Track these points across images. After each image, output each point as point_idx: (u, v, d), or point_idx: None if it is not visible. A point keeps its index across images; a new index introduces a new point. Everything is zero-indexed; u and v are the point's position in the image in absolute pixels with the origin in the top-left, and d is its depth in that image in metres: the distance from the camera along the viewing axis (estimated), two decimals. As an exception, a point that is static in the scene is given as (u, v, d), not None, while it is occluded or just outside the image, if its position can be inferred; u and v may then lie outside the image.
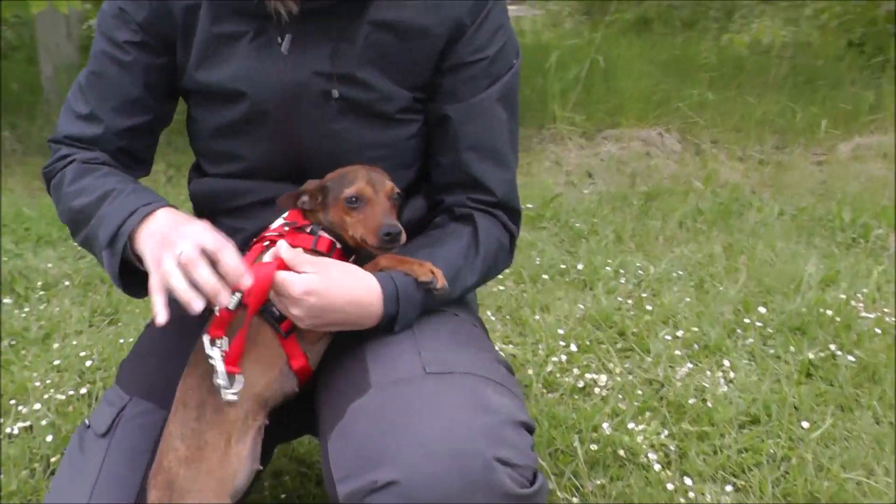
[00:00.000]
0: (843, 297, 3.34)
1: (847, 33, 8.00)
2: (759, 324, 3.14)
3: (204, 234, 1.41)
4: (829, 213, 4.69)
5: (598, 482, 2.24)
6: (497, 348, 2.96)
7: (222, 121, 1.67)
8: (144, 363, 1.75)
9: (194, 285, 1.36)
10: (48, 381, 2.73)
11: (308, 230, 1.56)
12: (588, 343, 3.02)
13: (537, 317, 3.28)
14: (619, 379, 2.75)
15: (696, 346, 2.99)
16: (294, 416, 1.68)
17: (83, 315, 3.28)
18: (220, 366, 1.44)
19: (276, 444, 1.96)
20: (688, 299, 3.39)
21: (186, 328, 1.67)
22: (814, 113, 6.49)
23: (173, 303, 1.91)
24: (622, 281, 3.65)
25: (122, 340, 2.99)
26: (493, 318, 3.31)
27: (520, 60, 1.75)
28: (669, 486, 2.19)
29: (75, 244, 1.94)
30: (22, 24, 8.49)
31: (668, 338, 3.02)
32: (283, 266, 1.44)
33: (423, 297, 1.53)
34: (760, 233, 4.35)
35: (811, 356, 2.85)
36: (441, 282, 1.52)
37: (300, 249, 1.49)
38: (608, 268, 3.78)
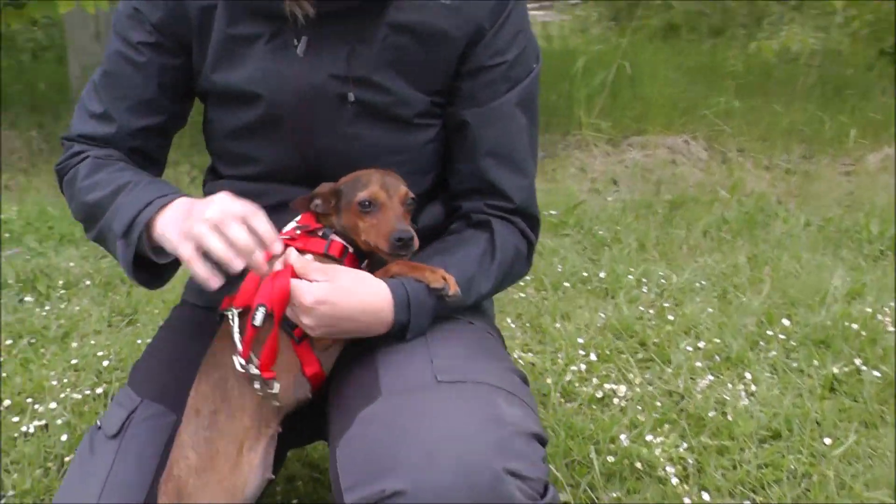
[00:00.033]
0: (870, 310, 3.27)
1: (878, 42, 7.90)
2: (782, 336, 3.09)
3: (230, 201, 1.40)
4: (857, 224, 4.62)
5: (614, 495, 2.20)
6: (516, 356, 2.95)
7: (238, 123, 1.66)
8: (156, 366, 1.75)
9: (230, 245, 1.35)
10: (65, 381, 2.74)
11: (320, 234, 1.54)
12: (608, 353, 2.99)
13: (557, 325, 3.25)
14: (638, 390, 2.71)
15: (717, 357, 2.94)
16: (307, 422, 1.66)
17: (102, 315, 3.29)
18: (259, 381, 1.44)
19: (288, 449, 1.94)
20: (710, 310, 3.35)
21: (198, 331, 1.67)
22: (842, 122, 6.41)
23: (185, 306, 1.93)
24: (644, 290, 3.62)
25: (139, 341, 2.99)
26: (512, 326, 3.29)
27: (540, 65, 1.72)
28: (687, 501, 2.15)
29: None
30: (52, 25, 8.58)
31: (690, 349, 2.98)
32: (294, 274, 1.43)
33: (436, 304, 1.51)
34: (786, 243, 4.30)
35: (835, 370, 2.80)
36: (453, 288, 1.49)
37: (310, 256, 1.47)
38: (630, 276, 3.75)
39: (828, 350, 2.99)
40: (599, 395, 2.68)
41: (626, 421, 2.50)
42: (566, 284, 3.70)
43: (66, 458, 2.29)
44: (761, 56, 7.81)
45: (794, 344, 3.05)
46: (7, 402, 2.58)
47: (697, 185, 5.46)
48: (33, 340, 3.07)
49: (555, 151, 6.29)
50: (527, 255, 1.76)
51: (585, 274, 3.81)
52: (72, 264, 3.83)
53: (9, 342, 3.02)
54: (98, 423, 1.64)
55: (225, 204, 1.39)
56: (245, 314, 1.47)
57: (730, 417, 2.50)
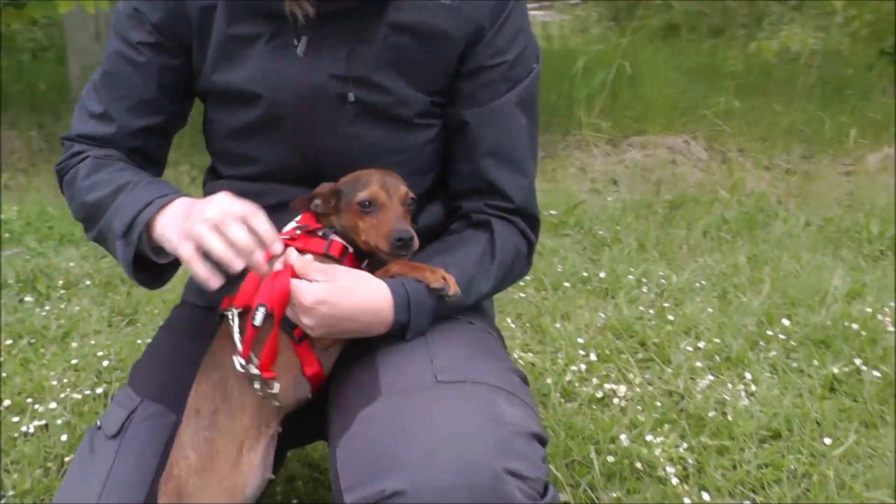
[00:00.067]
0: (870, 310, 3.27)
1: (878, 42, 7.90)
2: (782, 336, 3.09)
3: (230, 201, 1.40)
4: (857, 224, 4.62)
5: (614, 495, 2.20)
6: (516, 356, 2.95)
7: (238, 122, 1.66)
8: (156, 366, 1.75)
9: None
10: (65, 381, 2.74)
11: (320, 234, 1.54)
12: (608, 353, 2.99)
13: (558, 325, 3.25)
14: (638, 390, 2.71)
15: (717, 357, 2.94)
16: (307, 422, 1.66)
17: (102, 315, 3.29)
18: (259, 381, 1.44)
19: (289, 449, 1.94)
20: (710, 310, 3.35)
21: (199, 331, 1.67)
22: (842, 122, 6.42)
23: (185, 306, 1.93)
24: (644, 290, 3.62)
25: (139, 341, 2.99)
26: (512, 326, 3.29)
27: (540, 65, 1.72)
28: (687, 501, 2.15)
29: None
30: (52, 25, 8.58)
31: (690, 349, 2.98)
32: (294, 274, 1.43)
33: (436, 304, 1.51)
34: (786, 243, 4.30)
35: (835, 371, 2.80)
36: (453, 288, 1.49)
37: (310, 256, 1.47)
38: (630, 276, 3.75)
39: (828, 350, 2.99)
40: (599, 395, 2.68)
41: (626, 421, 2.50)
42: (566, 284, 3.70)
43: (66, 459, 2.29)
44: (761, 56, 7.81)
45: (794, 344, 3.05)
46: (7, 402, 2.58)
47: (697, 185, 5.46)
48: (33, 340, 3.07)
49: (555, 151, 6.29)
50: (527, 255, 1.76)
51: (585, 274, 3.81)
52: (72, 264, 3.83)
53: (9, 342, 3.02)
54: (98, 423, 1.64)
55: (225, 204, 1.39)
56: (245, 314, 1.47)
57: (730, 417, 2.50)
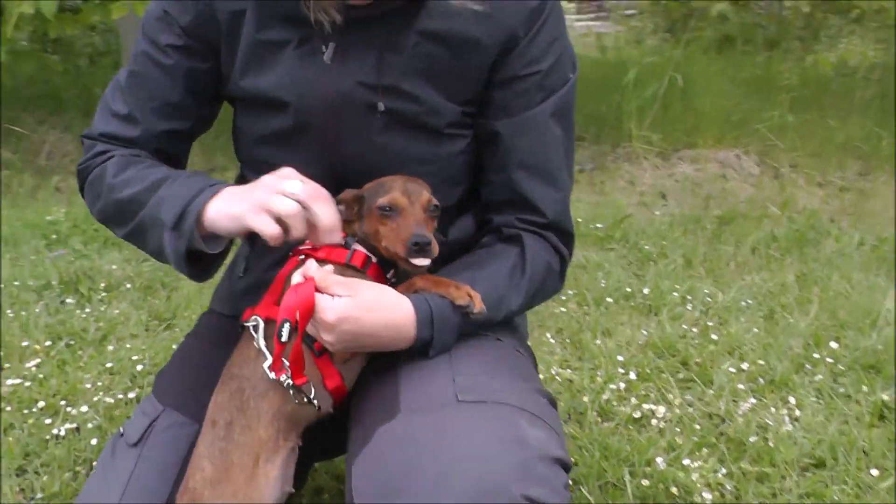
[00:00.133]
0: (923, 334, 3.16)
1: (941, 56, 7.71)
2: (829, 360, 2.99)
3: (305, 181, 1.45)
4: (913, 245, 4.48)
5: (648, 520, 2.14)
6: (553, 372, 2.90)
7: (265, 129, 1.64)
8: (180, 374, 1.73)
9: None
10: (99, 384, 2.74)
11: (343, 243, 1.51)
12: (648, 371, 2.92)
13: (598, 341, 3.19)
14: (677, 411, 2.64)
15: (761, 380, 2.86)
16: (330, 436, 1.63)
17: (141, 318, 3.30)
18: (293, 390, 1.43)
19: (313, 463, 1.92)
20: (755, 330, 3.26)
21: (224, 340, 1.65)
22: (900, 138, 6.24)
23: (212, 314, 1.91)
24: (689, 308, 3.54)
25: (175, 346, 2.98)
26: (552, 341, 3.23)
27: (576, 74, 1.67)
28: (723, 529, 2.08)
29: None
30: (109, 31, 8.72)
31: (733, 370, 2.90)
32: (315, 287, 1.40)
33: (460, 322, 1.47)
34: (837, 263, 4.18)
35: (885, 397, 2.69)
36: (479, 306, 1.45)
37: (330, 267, 1.44)
38: (675, 293, 3.67)
39: (878, 375, 2.89)
40: (637, 415, 2.61)
41: (663, 443, 2.44)
42: (609, 300, 3.63)
43: (95, 463, 2.28)
44: (817, 69, 7.65)
45: (842, 368, 2.95)
46: (41, 404, 2.60)
47: (748, 200, 5.34)
48: (72, 342, 3.09)
49: (604, 163, 6.22)
50: (560, 271, 1.70)
51: (629, 289, 3.74)
52: (114, 267, 3.86)
53: (48, 343, 3.04)
54: (121, 430, 1.63)
55: (306, 185, 1.44)
56: (268, 325, 1.45)
57: (771, 443, 2.42)
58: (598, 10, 16.67)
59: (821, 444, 2.43)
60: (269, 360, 1.42)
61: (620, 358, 3.00)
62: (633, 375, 2.87)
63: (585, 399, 2.70)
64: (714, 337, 3.18)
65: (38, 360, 2.90)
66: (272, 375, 1.42)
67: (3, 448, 2.35)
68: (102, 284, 3.66)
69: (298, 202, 1.41)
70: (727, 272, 4.05)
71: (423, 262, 1.42)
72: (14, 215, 4.77)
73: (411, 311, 1.42)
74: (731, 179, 5.78)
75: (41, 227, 4.46)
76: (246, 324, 1.52)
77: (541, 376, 2.80)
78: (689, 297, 3.65)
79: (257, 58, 1.59)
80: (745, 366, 2.93)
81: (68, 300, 3.50)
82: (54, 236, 4.36)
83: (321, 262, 1.46)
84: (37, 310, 3.36)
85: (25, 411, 2.57)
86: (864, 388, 2.77)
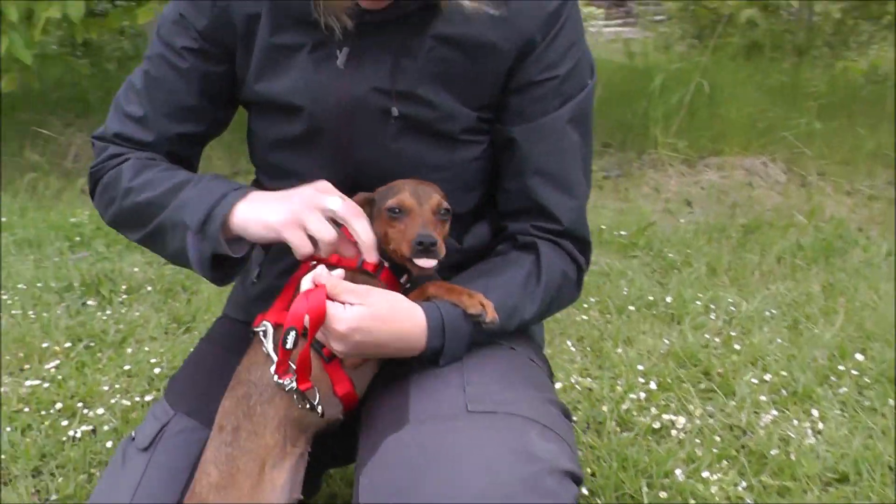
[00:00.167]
0: (952, 347, 3.10)
1: (974, 63, 7.59)
2: (854, 372, 2.94)
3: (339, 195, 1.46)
4: (943, 255, 4.40)
5: (665, 533, 2.11)
6: (573, 381, 2.87)
7: (279, 134, 1.63)
8: (193, 379, 1.73)
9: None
10: (117, 386, 2.75)
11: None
12: (669, 381, 2.88)
13: (619, 350, 3.15)
14: (698, 422, 2.60)
15: (783, 391, 2.81)
16: (341, 442, 1.61)
17: (160, 321, 3.31)
18: (298, 395, 1.42)
19: (325, 470, 1.91)
20: (779, 340, 3.21)
21: (237, 345, 1.64)
22: (932, 147, 6.14)
23: (226, 319, 1.90)
24: (712, 317, 3.49)
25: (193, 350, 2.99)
26: (573, 349, 3.20)
27: (595, 80, 1.65)
28: (742, 544, 2.04)
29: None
30: (138, 35, 8.77)
31: (755, 381, 2.85)
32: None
33: (472, 331, 1.45)
34: (864, 273, 4.10)
35: (911, 411, 2.64)
36: (491, 315, 1.43)
37: (341, 272, 1.42)
38: (698, 302, 3.63)
39: (904, 388, 2.84)
40: (657, 425, 2.58)
41: (682, 454, 2.40)
42: (631, 308, 3.60)
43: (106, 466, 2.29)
44: (847, 76, 7.55)
45: (867, 381, 2.89)
46: (59, 405, 2.60)
47: (774, 208, 5.28)
48: (91, 344, 3.10)
49: (630, 170, 6.18)
50: (576, 279, 1.67)
51: (651, 298, 3.70)
52: (136, 269, 3.87)
53: (67, 345, 3.05)
54: (132, 434, 1.62)
55: (345, 202, 1.45)
56: (277, 330, 1.44)
57: (793, 457, 2.38)
58: (627, 16, 16.61)
59: (844, 458, 2.38)
60: (276, 359, 1.41)
61: (641, 367, 2.96)
62: (653, 385, 2.83)
63: (605, 408, 2.67)
64: (737, 347, 3.14)
65: (58, 362, 2.91)
66: (276, 378, 1.40)
67: (20, 449, 2.36)
68: (123, 287, 3.67)
69: (338, 219, 1.43)
70: (751, 281, 4.00)
71: (428, 263, 1.40)
72: (39, 217, 4.80)
73: (423, 320, 1.40)
74: (758, 187, 5.72)
75: (65, 229, 4.49)
76: (256, 329, 1.51)
77: (560, 385, 2.79)
78: (712, 307, 3.60)
79: (271, 62, 1.58)
80: (767, 377, 2.89)
81: (89, 302, 3.52)
82: (77, 238, 4.38)
83: (331, 266, 1.45)
84: (58, 311, 3.37)
85: (43, 412, 2.58)
86: (891, 402, 2.72)
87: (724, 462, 2.38)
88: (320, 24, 1.48)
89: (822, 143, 6.14)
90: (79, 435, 2.44)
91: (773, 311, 3.54)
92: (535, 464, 1.24)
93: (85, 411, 2.58)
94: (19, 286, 3.67)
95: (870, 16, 8.68)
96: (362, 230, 1.43)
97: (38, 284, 3.68)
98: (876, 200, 5.55)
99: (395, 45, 1.52)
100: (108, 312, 3.40)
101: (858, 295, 3.73)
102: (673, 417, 2.62)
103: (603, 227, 4.79)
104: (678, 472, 2.29)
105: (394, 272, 1.50)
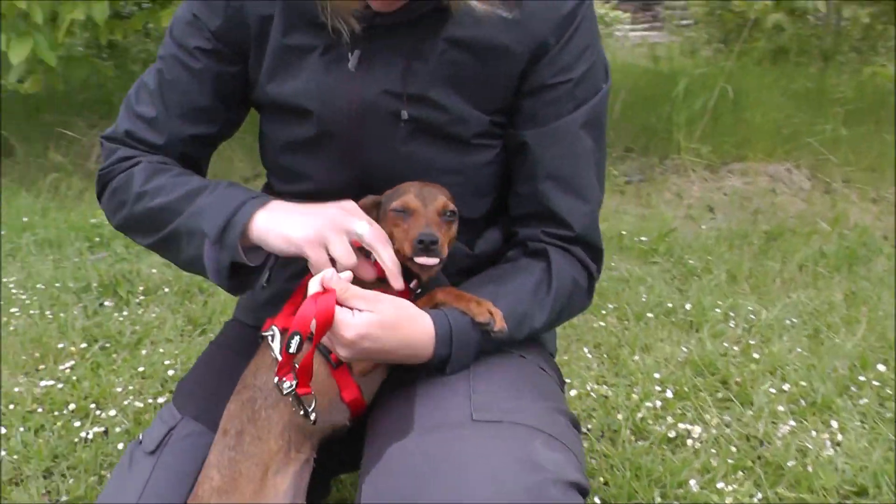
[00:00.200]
0: (976, 358, 3.04)
1: None
2: (876, 383, 2.88)
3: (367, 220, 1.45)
4: (969, 265, 4.32)
5: (678, 545, 2.08)
6: (588, 388, 2.83)
7: (290, 137, 1.62)
8: (200, 383, 1.72)
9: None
10: (130, 388, 2.75)
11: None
12: (686, 390, 2.84)
13: (636, 357, 3.12)
14: (714, 431, 2.56)
15: (802, 401, 2.76)
16: (348, 448, 1.60)
17: (176, 323, 3.31)
18: (294, 399, 1.39)
19: (333, 477, 1.89)
20: (799, 349, 3.16)
21: (247, 349, 1.63)
22: (961, 155, 6.04)
23: (236, 323, 1.89)
24: (731, 325, 3.45)
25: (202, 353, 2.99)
26: (589, 356, 3.17)
27: (609, 83, 1.62)
28: (756, 558, 2.01)
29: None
30: (162, 37, 8.82)
31: (773, 391, 2.81)
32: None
33: (480, 339, 1.43)
34: (888, 282, 4.03)
35: (933, 424, 2.59)
36: (499, 324, 1.41)
37: (349, 275, 1.40)
38: (717, 310, 3.58)
39: (927, 400, 2.78)
40: (672, 434, 2.54)
41: (697, 464, 2.36)
42: (649, 315, 3.56)
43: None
44: (875, 81, 7.45)
45: (889, 392, 2.84)
46: (72, 406, 2.61)
47: (797, 215, 5.21)
48: (107, 345, 3.11)
49: (652, 176, 6.13)
50: (587, 287, 1.65)
51: (670, 305, 3.66)
52: (153, 271, 3.88)
53: (83, 346, 3.06)
54: (140, 437, 1.62)
55: (372, 227, 1.43)
56: (285, 335, 1.42)
57: (810, 468, 2.33)
58: (653, 20, 16.53)
59: (863, 471, 2.33)
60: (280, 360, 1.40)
61: (658, 375, 2.93)
62: (669, 393, 2.80)
63: (620, 417, 2.64)
64: (756, 356, 3.09)
65: (73, 363, 2.92)
66: (275, 380, 1.38)
67: (33, 450, 2.36)
68: (141, 288, 3.68)
69: (364, 244, 1.42)
70: (772, 289, 3.95)
71: (429, 261, 1.39)
72: (61, 217, 4.84)
73: (431, 328, 1.39)
74: (781, 194, 5.65)
75: (85, 230, 4.51)
76: (264, 334, 1.50)
77: (575, 392, 2.76)
78: (731, 314, 3.56)
79: (283, 63, 1.57)
80: (786, 387, 2.84)
81: (106, 303, 3.53)
82: (97, 239, 4.41)
83: None
84: (75, 312, 3.39)
85: (56, 413, 2.59)
86: (912, 414, 2.67)
87: (740, 473, 2.34)
88: (329, 26, 1.46)
89: (848, 149, 6.06)
90: (91, 436, 2.44)
91: (794, 320, 3.49)
92: (540, 473, 1.21)
93: (98, 412, 2.58)
94: (38, 286, 3.70)
95: (899, 21, 8.58)
96: (388, 257, 1.42)
97: (57, 284, 3.70)
98: (902, 208, 5.48)
99: (406, 47, 1.51)
100: (124, 313, 3.41)
101: (881, 304, 3.67)
102: (689, 427, 2.58)
103: (623, 232, 4.75)
104: (692, 482, 2.26)
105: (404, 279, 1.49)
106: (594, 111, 1.59)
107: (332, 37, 1.50)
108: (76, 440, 2.43)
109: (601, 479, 2.31)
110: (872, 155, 6.07)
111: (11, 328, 3.23)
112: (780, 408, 2.70)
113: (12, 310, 3.40)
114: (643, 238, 4.66)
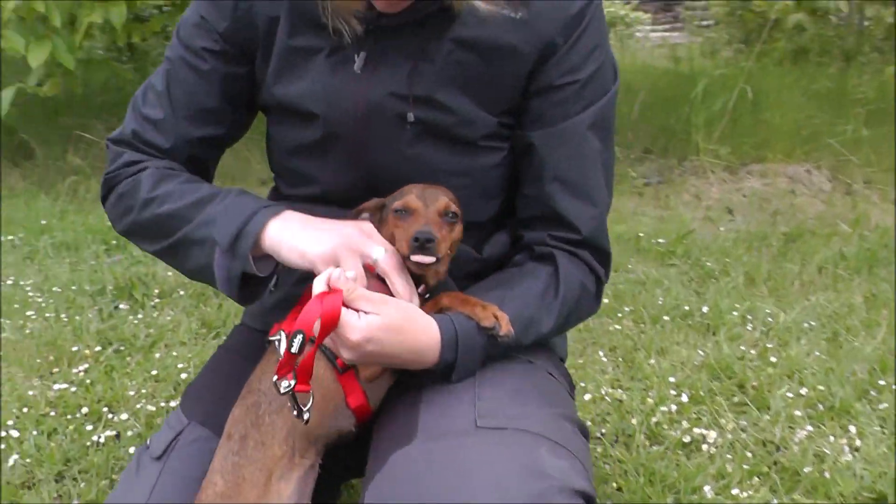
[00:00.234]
0: None
1: None
2: (896, 387, 2.85)
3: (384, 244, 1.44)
4: None
5: (691, 552, 2.05)
6: (603, 392, 2.81)
7: (296, 140, 1.61)
8: (207, 388, 1.71)
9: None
10: (143, 391, 2.75)
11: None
12: (702, 394, 2.81)
13: (652, 361, 3.09)
14: (729, 436, 2.53)
15: (820, 406, 2.72)
16: (354, 454, 1.58)
17: (191, 326, 3.31)
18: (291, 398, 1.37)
19: (340, 483, 1.88)
20: (817, 353, 3.12)
21: (255, 354, 1.62)
22: (985, 155, 5.96)
23: (245, 328, 1.88)
24: (749, 328, 3.41)
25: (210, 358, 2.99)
26: (604, 359, 3.14)
27: (618, 84, 1.60)
28: (771, 566, 1.98)
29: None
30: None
31: (790, 395, 2.77)
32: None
33: (486, 345, 1.41)
34: (909, 284, 3.99)
35: (954, 429, 2.55)
36: (505, 328, 1.39)
37: (353, 274, 1.38)
38: (735, 312, 3.55)
39: (947, 406, 2.74)
40: (687, 439, 2.51)
41: (712, 470, 2.34)
42: (666, 318, 3.53)
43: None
44: (896, 82, 7.35)
45: (909, 396, 2.80)
46: (85, 410, 2.61)
47: (817, 217, 5.16)
48: (121, 348, 3.11)
49: (671, 177, 6.09)
50: (595, 291, 1.63)
51: (687, 308, 3.63)
52: (169, 273, 3.88)
53: (98, 349, 3.06)
54: (148, 442, 1.61)
55: (387, 253, 1.42)
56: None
57: (828, 475, 2.30)
58: (674, 21, 16.44)
59: (882, 477, 2.30)
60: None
61: (673, 379, 2.90)
62: (685, 398, 2.77)
63: (634, 421, 2.61)
64: (773, 359, 3.06)
65: (87, 366, 2.93)
66: (274, 378, 1.37)
67: (45, 453, 2.36)
68: (156, 291, 3.68)
69: (378, 270, 1.42)
70: (791, 291, 3.90)
71: (425, 259, 1.37)
72: (79, 220, 4.86)
73: (436, 334, 1.37)
74: (801, 195, 5.60)
75: (102, 233, 4.52)
76: (271, 338, 1.48)
77: (589, 396, 2.74)
78: (749, 317, 3.52)
79: (289, 65, 1.56)
80: (803, 391, 2.80)
81: (122, 306, 3.54)
82: (114, 242, 4.42)
83: None
84: (90, 315, 3.39)
85: (69, 417, 2.59)
86: (933, 419, 2.63)
87: (756, 479, 2.31)
88: (329, 27, 1.45)
89: (870, 150, 5.98)
90: (102, 440, 2.45)
91: (813, 323, 3.45)
92: (545, 481, 1.20)
93: (110, 416, 2.59)
94: (54, 289, 3.71)
95: (924, 20, 8.47)
96: (401, 285, 1.41)
97: (73, 287, 3.71)
98: (924, 210, 5.41)
99: (412, 48, 1.49)
100: (139, 316, 3.41)
101: (902, 307, 3.62)
102: (704, 431, 2.55)
103: (641, 234, 4.72)
104: (707, 488, 2.23)
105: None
106: (602, 112, 1.57)
107: (340, 38, 1.49)
108: (88, 444, 2.43)
109: (614, 484, 2.29)
110: (894, 155, 6.00)
111: (27, 331, 3.24)
112: (798, 412, 2.66)
113: (28, 313, 3.41)
114: (661, 240, 4.63)
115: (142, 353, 3.06)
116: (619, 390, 2.88)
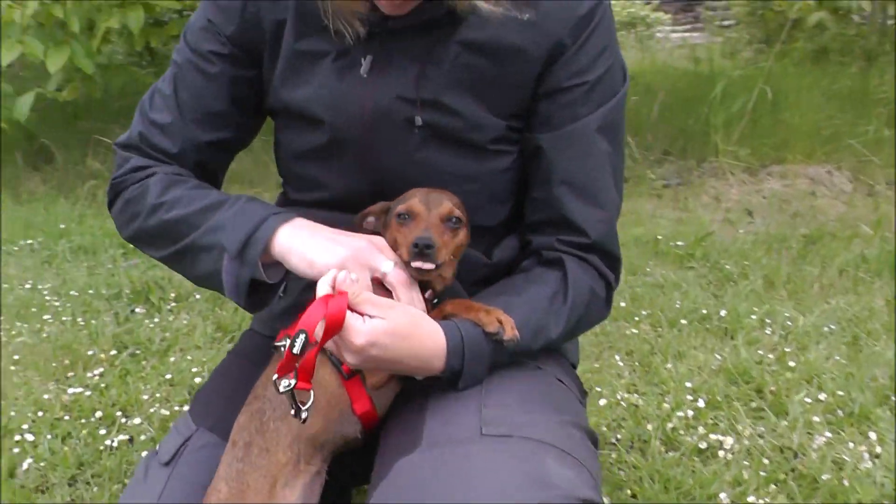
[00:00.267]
0: None
1: None
2: (917, 393, 2.80)
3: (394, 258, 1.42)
4: None
5: (707, 561, 2.02)
6: (619, 397, 2.78)
7: (303, 145, 1.60)
8: (216, 394, 1.71)
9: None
10: (157, 395, 2.76)
11: None
12: (719, 399, 2.77)
13: (669, 365, 3.06)
14: (746, 442, 2.50)
15: (839, 412, 2.68)
16: (361, 461, 1.57)
17: (206, 330, 3.31)
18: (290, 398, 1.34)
19: (352, 488, 1.86)
20: (837, 357, 3.08)
21: (263, 360, 1.61)
22: None
23: (253, 333, 1.88)
24: (767, 332, 3.37)
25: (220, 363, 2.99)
26: (620, 364, 3.12)
27: (627, 86, 1.58)
28: (788, 575, 1.95)
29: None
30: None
31: (809, 400, 2.74)
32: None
33: (493, 351, 1.39)
34: (932, 288, 3.93)
35: (977, 436, 2.50)
36: (510, 333, 1.37)
37: (356, 276, 1.37)
38: (753, 316, 3.50)
39: (970, 412, 2.69)
40: (703, 445, 2.48)
41: (728, 477, 2.31)
42: (683, 322, 3.49)
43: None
44: (920, 82, 7.26)
45: (931, 403, 2.76)
46: (99, 414, 2.61)
47: (838, 219, 5.10)
48: (137, 352, 3.12)
49: (689, 179, 6.04)
50: (605, 296, 1.60)
51: (705, 311, 3.59)
52: (186, 277, 3.89)
53: (113, 353, 3.07)
54: (157, 448, 1.61)
55: (397, 268, 1.41)
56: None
57: (846, 482, 2.27)
58: (695, 21, 16.34)
59: (902, 485, 2.27)
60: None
61: (690, 384, 2.87)
62: (701, 403, 2.73)
63: (650, 427, 2.58)
64: (791, 364, 3.02)
65: (102, 370, 2.94)
66: (274, 377, 1.35)
67: (59, 457, 2.37)
68: (172, 294, 3.70)
69: (387, 284, 1.40)
70: (810, 295, 3.85)
71: (424, 266, 1.36)
72: (97, 224, 4.89)
73: (442, 340, 1.36)
74: (822, 196, 5.53)
75: (119, 237, 4.52)
76: (277, 344, 1.47)
77: (605, 401, 2.71)
78: (767, 321, 3.48)
79: (295, 68, 1.56)
80: (822, 396, 2.76)
81: (138, 309, 3.55)
82: (131, 245, 4.41)
83: None
84: (106, 318, 3.41)
85: (83, 421, 2.59)
86: (954, 426, 2.58)
87: (773, 486, 2.27)
88: (333, 30, 1.44)
89: (892, 150, 5.90)
90: (116, 444, 2.45)
91: (832, 327, 3.41)
92: (550, 490, 1.18)
93: (123, 420, 2.59)
94: (72, 293, 3.73)
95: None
96: (407, 301, 1.40)
97: (90, 291, 3.73)
98: (947, 211, 5.33)
99: (419, 51, 1.48)
100: (155, 320, 3.42)
101: (925, 311, 3.57)
102: (721, 437, 2.52)
103: (659, 237, 4.68)
104: (723, 495, 2.21)
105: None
106: (611, 115, 1.55)
107: (338, 41, 1.48)
108: (101, 448, 2.44)
109: (629, 491, 2.26)
110: (918, 156, 5.93)
111: (44, 335, 3.26)
112: (816, 418, 2.63)
113: (45, 316, 3.43)
114: (679, 242, 4.59)
115: (157, 357, 3.07)
116: (635, 395, 2.86)
